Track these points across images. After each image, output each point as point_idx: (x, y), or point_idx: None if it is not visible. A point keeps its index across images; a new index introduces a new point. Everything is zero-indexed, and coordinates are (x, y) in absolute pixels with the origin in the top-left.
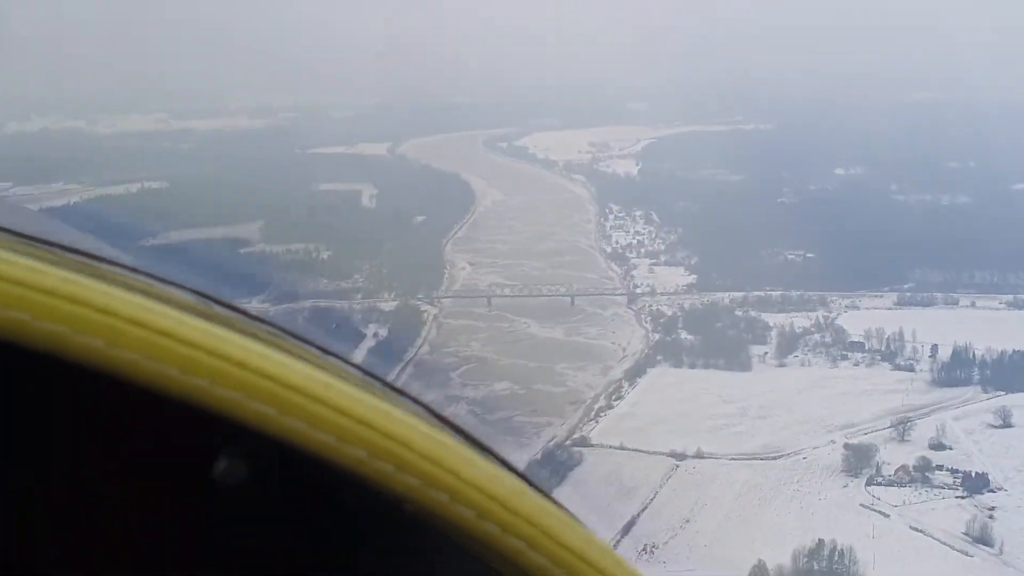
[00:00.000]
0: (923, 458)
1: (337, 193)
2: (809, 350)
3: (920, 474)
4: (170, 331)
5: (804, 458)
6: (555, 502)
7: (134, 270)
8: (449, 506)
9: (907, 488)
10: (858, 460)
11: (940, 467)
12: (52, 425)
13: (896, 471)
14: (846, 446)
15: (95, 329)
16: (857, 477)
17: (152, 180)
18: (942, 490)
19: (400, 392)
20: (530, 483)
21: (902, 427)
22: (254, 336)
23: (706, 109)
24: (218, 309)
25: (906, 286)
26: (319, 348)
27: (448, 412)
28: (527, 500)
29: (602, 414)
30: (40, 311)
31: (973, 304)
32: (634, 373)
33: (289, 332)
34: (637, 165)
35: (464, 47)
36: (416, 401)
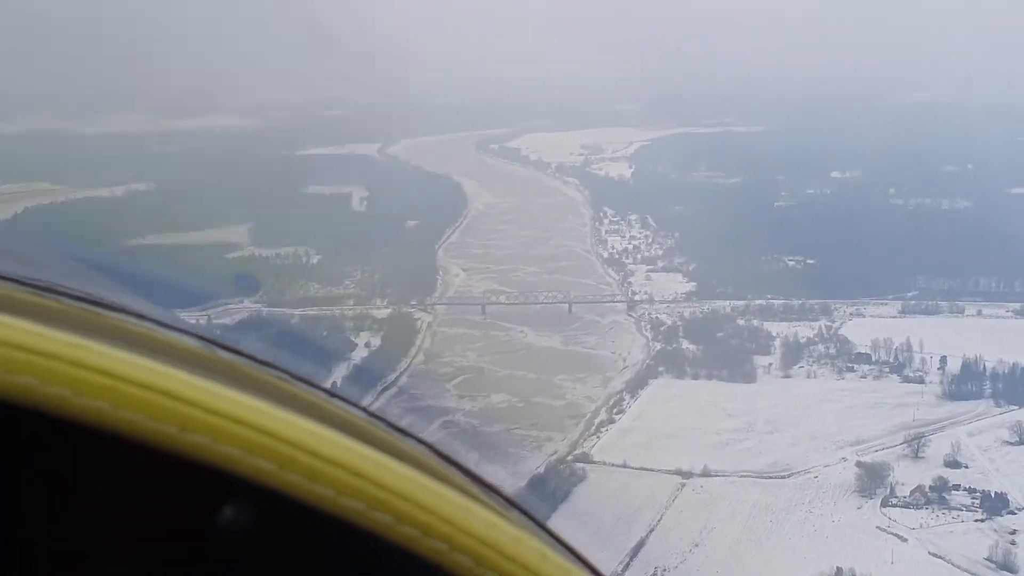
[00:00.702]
0: (939, 477)
1: (327, 196)
2: (814, 361)
3: (937, 494)
4: (170, 391)
5: (815, 477)
6: (559, 540)
7: (139, 316)
8: (447, 555)
9: (924, 510)
10: (872, 479)
11: (957, 487)
12: (54, 484)
13: (912, 492)
14: (858, 464)
15: (97, 392)
16: (871, 498)
17: (138, 181)
18: (960, 512)
19: (404, 432)
20: (534, 520)
21: (915, 444)
22: (257, 384)
23: (697, 111)
24: (222, 355)
25: (910, 294)
26: (325, 392)
27: (452, 451)
28: (526, 546)
29: (604, 428)
30: (44, 375)
31: (980, 312)
32: (636, 385)
33: (295, 376)
34: (630, 168)
35: (456, 47)
36: (420, 441)
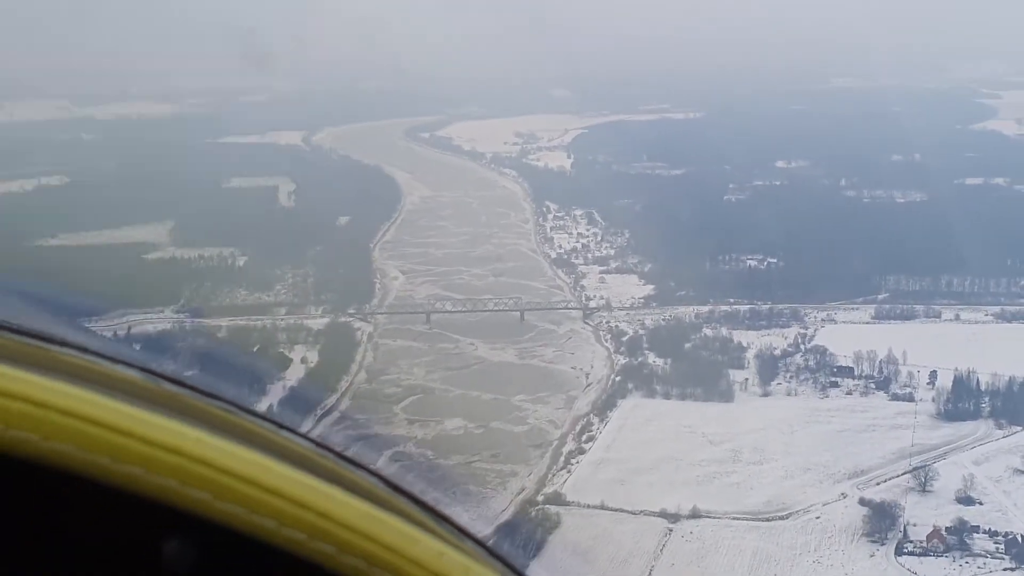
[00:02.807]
0: (957, 518)
1: (252, 189)
2: (792, 375)
3: (956, 537)
4: (102, 420)
5: (817, 517)
6: (515, 570)
7: (82, 349)
8: None
9: (944, 558)
10: (880, 520)
11: (976, 528)
12: None
13: (929, 537)
14: (863, 502)
15: (29, 424)
16: (883, 543)
17: (50, 175)
18: (986, 559)
19: (352, 462)
20: (487, 549)
21: (921, 475)
22: (200, 415)
23: (631, 96)
24: (165, 386)
25: (881, 296)
26: (271, 422)
27: (402, 481)
28: (474, 574)
29: (574, 460)
30: None
31: (957, 317)
32: (604, 406)
33: (241, 407)
34: (569, 157)
35: (378, 30)
36: (368, 471)
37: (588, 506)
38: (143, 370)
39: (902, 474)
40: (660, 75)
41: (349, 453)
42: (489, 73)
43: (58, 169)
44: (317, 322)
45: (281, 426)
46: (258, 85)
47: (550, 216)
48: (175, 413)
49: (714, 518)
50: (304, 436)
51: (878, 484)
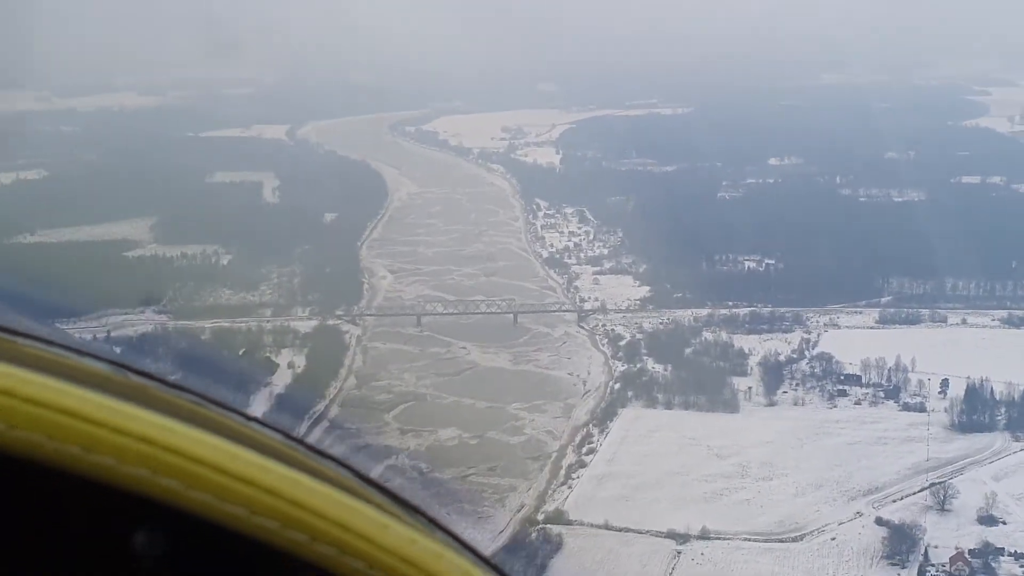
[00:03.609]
0: (980, 539)
1: (236, 184)
2: (798, 383)
3: (981, 561)
4: (71, 409)
5: (832, 538)
6: (486, 560)
7: (48, 342)
8: (365, 573)
9: None
10: (900, 542)
11: (1001, 551)
12: None
13: (953, 561)
14: (880, 522)
15: None
16: (904, 566)
17: (30, 169)
18: None
19: (324, 455)
20: (458, 539)
21: (939, 492)
22: (168, 407)
23: (618, 91)
24: (134, 379)
25: (884, 299)
26: (241, 414)
27: (374, 473)
28: (447, 563)
29: (574, 474)
30: None
31: (964, 321)
32: (603, 416)
33: (209, 399)
34: (557, 153)
35: (363, 23)
36: (339, 462)
37: (592, 525)
38: (111, 363)
39: (919, 491)
40: (646, 69)
41: (318, 444)
42: (474, 67)
43: (37, 162)
44: (304, 324)
45: (249, 417)
46: (242, 77)
47: (540, 214)
48: (143, 404)
49: (725, 539)
50: (272, 427)
51: (895, 502)
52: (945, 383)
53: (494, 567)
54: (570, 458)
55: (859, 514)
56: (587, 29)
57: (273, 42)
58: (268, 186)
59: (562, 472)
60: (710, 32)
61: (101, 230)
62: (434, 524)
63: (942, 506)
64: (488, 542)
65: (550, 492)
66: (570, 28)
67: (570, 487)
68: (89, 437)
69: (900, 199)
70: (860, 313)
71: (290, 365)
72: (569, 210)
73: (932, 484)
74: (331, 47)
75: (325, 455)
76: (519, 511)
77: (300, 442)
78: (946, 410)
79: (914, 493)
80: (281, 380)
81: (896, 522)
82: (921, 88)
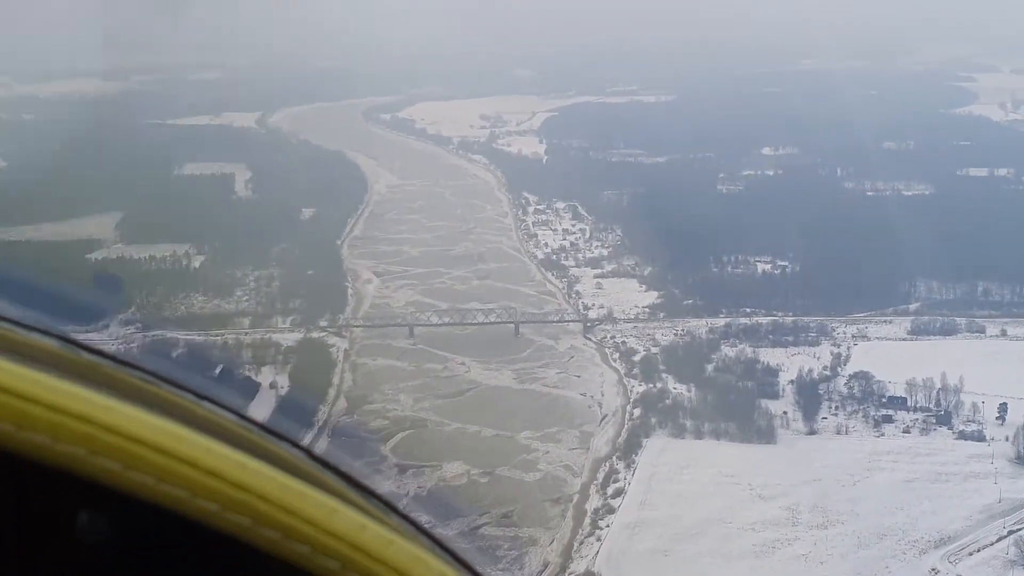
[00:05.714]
0: None
1: (206, 177)
2: (837, 407)
3: None
4: (3, 385)
5: None
6: (442, 545)
7: None
8: (312, 558)
9: None
10: None
11: None
12: None
13: None
14: None
15: None
16: None
17: None
18: None
19: (277, 435)
20: (414, 524)
21: (1022, 542)
22: (118, 385)
23: (597, 77)
24: (85, 356)
25: (913, 306)
26: (193, 392)
27: (329, 455)
28: (398, 549)
29: (602, 522)
30: None
31: (1004, 332)
32: (627, 447)
33: (162, 377)
34: (541, 143)
35: (332, 4)
36: (294, 444)
37: None
38: (60, 339)
39: (997, 540)
40: (624, 55)
41: (273, 425)
42: (448, 51)
43: None
44: (286, 337)
45: (202, 396)
46: (209, 61)
47: (530, 209)
48: (91, 383)
49: None
50: (226, 407)
51: (971, 555)
52: (1003, 407)
53: (453, 554)
54: (595, 500)
55: (935, 572)
56: (561, 12)
57: (241, 23)
58: (240, 179)
59: (587, 519)
60: (684, 16)
61: (63, 228)
62: (390, 508)
63: None
64: None
65: (576, 546)
66: (544, 11)
67: (599, 538)
68: (22, 414)
69: (909, 193)
70: (890, 322)
71: (272, 385)
72: (561, 205)
73: (1010, 532)
74: (300, 29)
75: (280, 436)
76: (543, 571)
77: (254, 422)
78: (1008, 439)
79: (992, 544)
80: (263, 403)
81: None
82: (904, 74)
